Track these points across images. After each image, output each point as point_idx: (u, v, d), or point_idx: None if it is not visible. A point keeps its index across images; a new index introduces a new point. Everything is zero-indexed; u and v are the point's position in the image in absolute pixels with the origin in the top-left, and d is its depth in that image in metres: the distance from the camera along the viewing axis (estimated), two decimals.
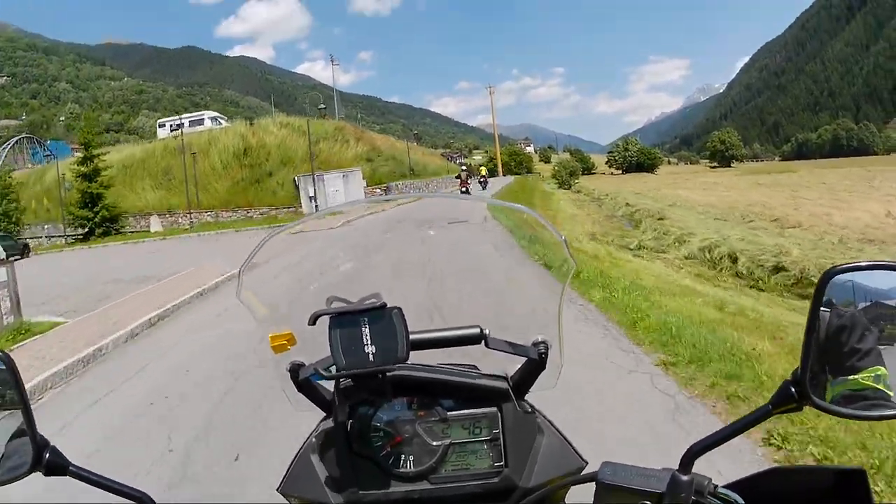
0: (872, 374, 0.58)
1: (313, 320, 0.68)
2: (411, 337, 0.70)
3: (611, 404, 3.70)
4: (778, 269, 13.75)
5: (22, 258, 22.72)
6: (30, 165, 55.65)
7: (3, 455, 0.69)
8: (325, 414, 0.83)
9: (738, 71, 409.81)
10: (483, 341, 0.81)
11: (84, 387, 5.52)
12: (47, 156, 62.99)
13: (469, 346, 0.83)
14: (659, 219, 25.40)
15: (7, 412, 0.69)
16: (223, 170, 36.75)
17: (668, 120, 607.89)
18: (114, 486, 0.67)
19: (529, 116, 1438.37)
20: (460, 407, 0.80)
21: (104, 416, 4.60)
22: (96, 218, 30.86)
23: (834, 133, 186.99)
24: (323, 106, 36.78)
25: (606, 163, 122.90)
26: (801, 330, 0.61)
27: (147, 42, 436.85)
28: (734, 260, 15.19)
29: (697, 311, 6.24)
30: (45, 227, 35.04)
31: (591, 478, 0.65)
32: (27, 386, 2.30)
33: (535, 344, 0.80)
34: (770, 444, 2.98)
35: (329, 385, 0.80)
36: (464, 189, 28.83)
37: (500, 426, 0.79)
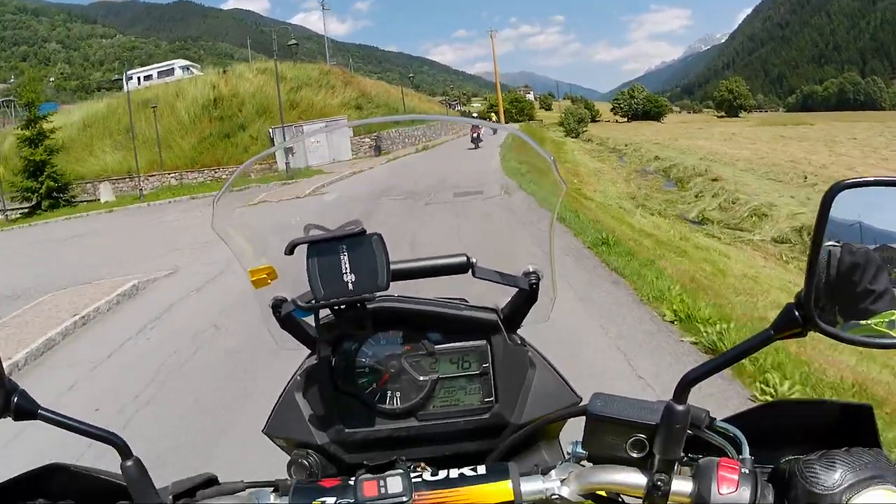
0: (886, 320, 0.53)
1: (290, 249, 0.64)
2: (393, 266, 0.66)
3: None
4: None
5: None
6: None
7: None
8: (309, 351, 0.79)
9: (740, 22, 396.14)
10: (470, 270, 0.76)
11: None
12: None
13: (457, 282, 0.78)
14: (713, 179, 20.50)
15: None
16: (190, 124, 32.32)
17: (668, 69, 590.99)
18: (86, 428, 0.62)
19: (528, 64, 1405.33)
20: (448, 340, 0.77)
21: None
22: (42, 189, 26.20)
23: (840, 86, 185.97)
24: (294, 42, 31.63)
25: (612, 110, 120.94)
26: None
27: None
28: None
29: None
30: None
31: (580, 411, 0.61)
32: None
33: (526, 274, 0.75)
34: None
35: (313, 321, 0.75)
36: (475, 135, 24.82)
37: (490, 360, 0.76)
